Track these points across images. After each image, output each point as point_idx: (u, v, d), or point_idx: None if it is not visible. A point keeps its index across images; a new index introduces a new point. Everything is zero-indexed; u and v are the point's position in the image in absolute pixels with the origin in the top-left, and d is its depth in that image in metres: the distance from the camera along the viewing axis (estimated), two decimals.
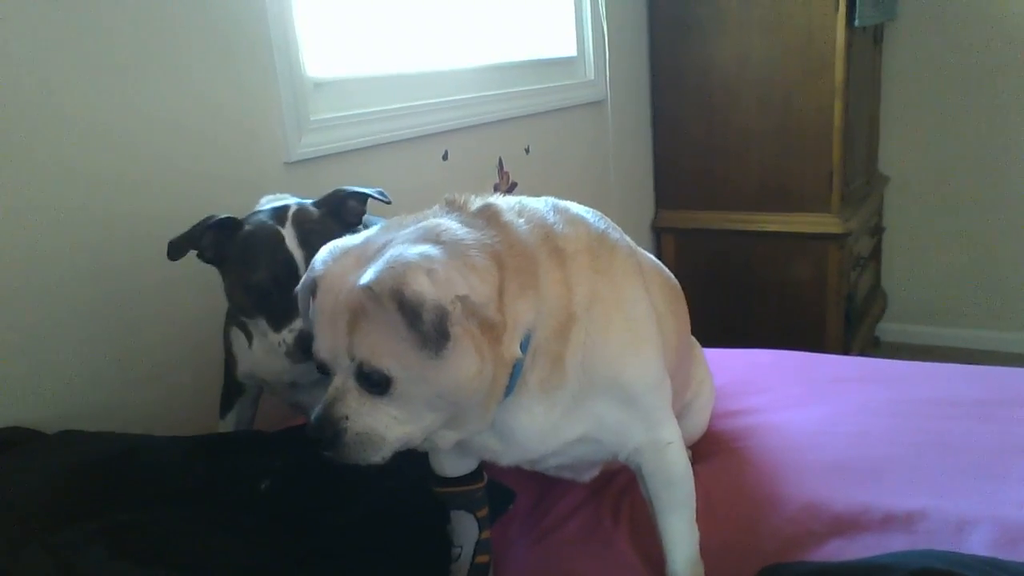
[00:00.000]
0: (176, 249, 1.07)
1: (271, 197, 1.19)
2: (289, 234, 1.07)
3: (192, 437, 1.16)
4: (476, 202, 0.88)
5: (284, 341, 1.05)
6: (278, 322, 1.06)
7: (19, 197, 1.15)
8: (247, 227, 1.09)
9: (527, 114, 2.35)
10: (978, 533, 1.04)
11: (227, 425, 1.29)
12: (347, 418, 0.78)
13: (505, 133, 2.27)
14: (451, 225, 0.82)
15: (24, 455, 1.03)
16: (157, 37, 1.32)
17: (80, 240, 1.23)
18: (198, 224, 1.08)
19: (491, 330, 0.77)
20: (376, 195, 1.19)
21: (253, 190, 1.45)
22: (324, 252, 0.85)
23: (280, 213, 1.10)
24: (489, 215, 0.86)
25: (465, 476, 1.04)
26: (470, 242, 0.80)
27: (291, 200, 1.15)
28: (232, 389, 1.28)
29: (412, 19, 2.00)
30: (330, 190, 1.18)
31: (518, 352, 0.81)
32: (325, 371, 0.82)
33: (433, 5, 2.07)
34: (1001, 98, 3.19)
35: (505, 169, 2.29)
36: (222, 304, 1.18)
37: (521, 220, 0.86)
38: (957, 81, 3.24)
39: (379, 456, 0.79)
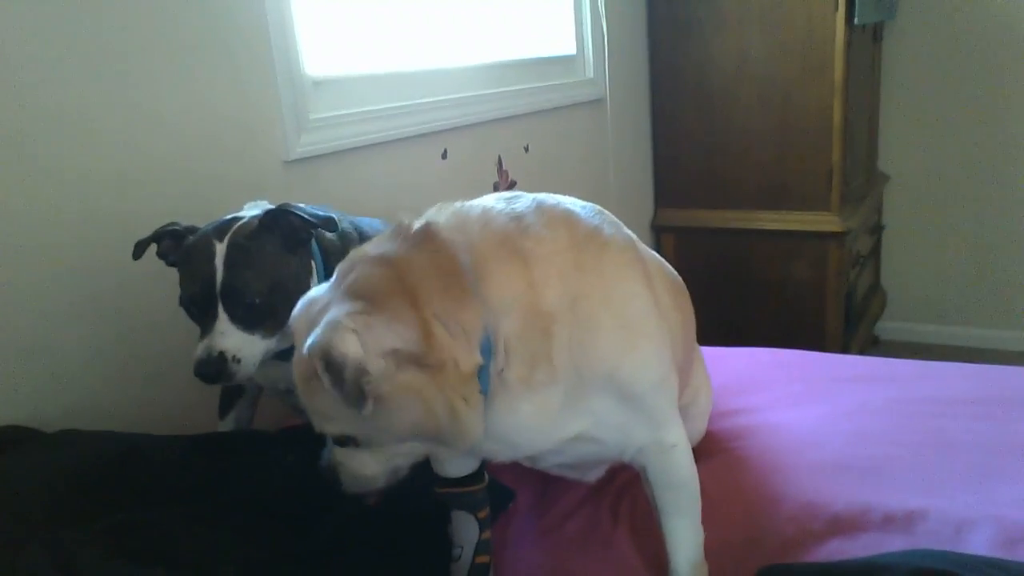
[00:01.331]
0: (138, 249, 1.12)
1: (253, 204, 1.19)
2: (220, 251, 1.05)
3: (192, 436, 1.16)
4: (417, 224, 0.87)
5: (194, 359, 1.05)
6: (200, 336, 1.06)
7: (17, 196, 1.15)
8: (191, 239, 1.09)
9: (527, 112, 2.35)
10: (978, 533, 1.04)
11: (227, 425, 1.29)
12: (340, 463, 0.89)
13: (505, 132, 2.27)
14: (369, 272, 0.82)
15: (24, 455, 1.03)
16: (156, 36, 1.32)
17: (79, 239, 1.23)
18: (159, 228, 1.12)
19: (432, 366, 0.78)
20: (321, 220, 1.10)
21: (252, 189, 1.45)
22: (300, 303, 0.88)
23: (225, 227, 1.08)
24: (425, 236, 0.85)
25: (466, 477, 1.04)
26: (383, 287, 0.80)
27: (254, 212, 1.13)
28: (231, 391, 1.28)
29: (411, 17, 2.00)
30: (293, 199, 1.17)
31: (478, 359, 0.81)
32: None
33: (432, 3, 2.07)
34: (1000, 96, 3.19)
35: (505, 168, 2.29)
36: None
37: (462, 236, 0.85)
38: (957, 79, 3.24)
39: (376, 485, 0.89)
